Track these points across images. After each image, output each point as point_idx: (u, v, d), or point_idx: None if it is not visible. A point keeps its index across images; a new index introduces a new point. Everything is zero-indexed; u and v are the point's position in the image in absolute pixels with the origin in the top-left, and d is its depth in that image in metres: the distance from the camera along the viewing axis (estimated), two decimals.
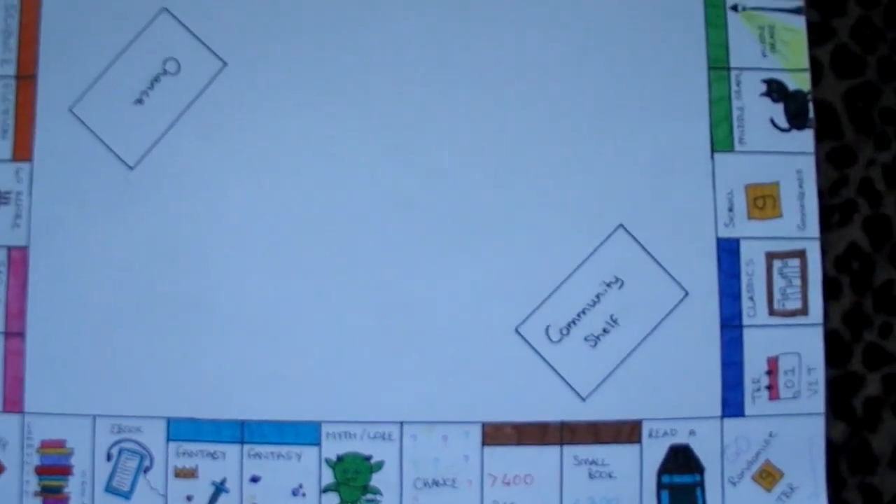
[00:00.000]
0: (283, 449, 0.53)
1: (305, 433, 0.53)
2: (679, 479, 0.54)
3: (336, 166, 0.55)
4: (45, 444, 0.54)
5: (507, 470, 0.53)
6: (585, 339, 0.54)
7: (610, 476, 0.53)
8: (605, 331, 0.54)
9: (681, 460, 0.54)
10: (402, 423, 0.53)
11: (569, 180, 0.54)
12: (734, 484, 0.54)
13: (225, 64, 0.55)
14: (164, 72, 0.55)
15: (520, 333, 0.54)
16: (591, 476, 0.53)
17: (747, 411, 0.54)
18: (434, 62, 0.55)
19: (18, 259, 0.55)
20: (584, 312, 0.54)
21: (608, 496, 0.53)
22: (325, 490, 0.53)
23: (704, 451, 0.54)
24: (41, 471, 0.54)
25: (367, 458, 0.53)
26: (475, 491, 0.53)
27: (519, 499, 0.53)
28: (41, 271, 0.55)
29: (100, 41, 0.56)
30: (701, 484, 0.54)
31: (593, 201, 0.54)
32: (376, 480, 0.53)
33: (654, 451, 0.54)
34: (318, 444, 0.53)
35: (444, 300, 0.54)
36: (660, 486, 0.54)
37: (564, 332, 0.54)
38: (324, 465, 0.53)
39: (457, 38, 0.55)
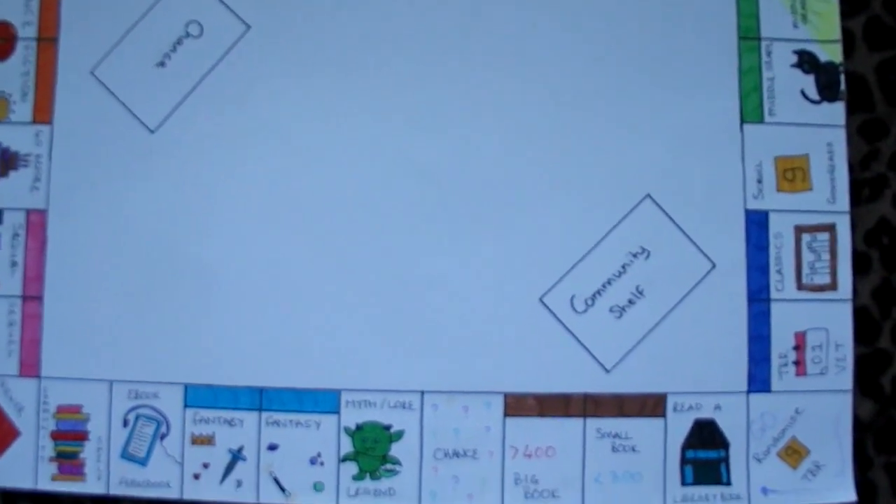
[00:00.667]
0: (302, 417, 0.53)
1: (324, 401, 0.53)
2: (703, 454, 0.53)
3: (359, 136, 0.54)
4: (62, 409, 0.54)
5: (528, 442, 0.53)
6: (611, 309, 0.53)
7: (633, 450, 0.53)
8: (630, 302, 0.53)
9: (705, 435, 0.53)
10: (422, 393, 0.53)
11: (596, 150, 0.54)
12: (759, 460, 0.53)
13: (248, 27, 0.55)
14: (187, 34, 0.55)
15: (544, 303, 0.53)
16: (613, 449, 0.52)
17: (774, 387, 0.53)
18: (458, 33, 0.54)
19: (37, 222, 0.55)
20: (609, 283, 0.53)
21: (631, 470, 0.52)
22: (344, 459, 0.53)
23: (729, 426, 0.53)
24: (57, 436, 0.54)
25: (387, 428, 0.53)
26: (496, 462, 0.53)
27: (540, 471, 0.52)
28: (60, 235, 0.54)
29: (122, 3, 0.55)
30: (726, 459, 0.53)
31: (621, 171, 0.54)
32: (396, 450, 0.53)
33: (679, 426, 0.53)
34: (337, 412, 0.53)
35: (468, 269, 0.53)
36: (683, 461, 0.53)
37: (589, 302, 0.53)
38: (343, 434, 0.53)
39: (481, 7, 0.54)
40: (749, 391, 0.53)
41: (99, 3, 0.55)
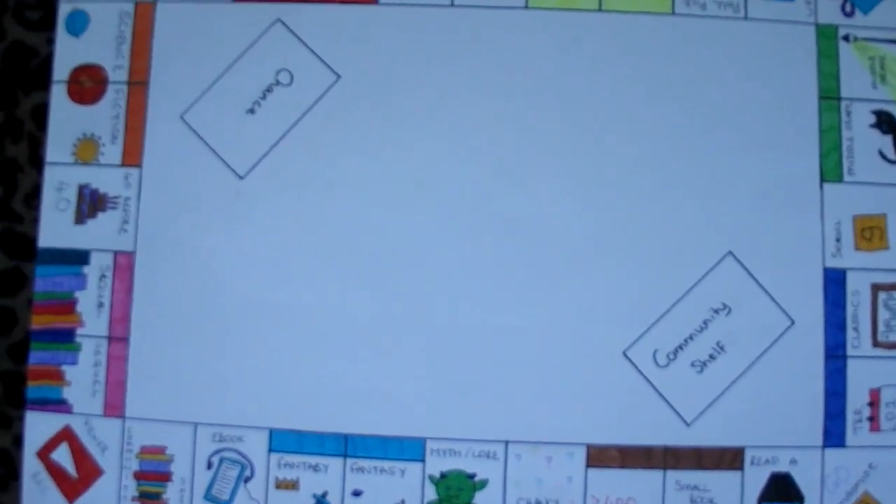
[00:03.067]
0: (387, 464, 0.54)
1: (410, 449, 0.54)
2: None
3: (445, 186, 0.55)
4: (146, 450, 0.55)
5: (609, 492, 0.53)
6: (692, 364, 0.54)
7: (711, 502, 0.53)
8: (711, 357, 0.54)
9: (781, 488, 0.54)
10: (506, 443, 0.53)
11: (680, 206, 0.55)
12: None
13: (338, 77, 0.55)
14: (277, 82, 0.56)
15: (627, 357, 0.54)
16: (692, 501, 0.53)
17: (848, 442, 0.54)
18: (543, 89, 0.55)
19: (124, 264, 0.55)
20: (691, 338, 0.54)
21: None
22: None
23: (805, 480, 0.54)
24: (140, 476, 0.55)
25: (471, 476, 0.53)
26: None
27: None
28: (146, 277, 0.55)
29: (213, 50, 0.56)
30: None
31: (703, 228, 0.54)
32: (479, 499, 0.53)
33: (756, 479, 0.54)
34: (422, 460, 0.54)
35: (553, 321, 0.54)
36: None
37: (671, 356, 0.54)
38: (427, 482, 0.54)
39: (569, 64, 0.55)
40: (824, 446, 0.54)
41: (190, 49, 0.56)
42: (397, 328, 0.54)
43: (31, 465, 0.55)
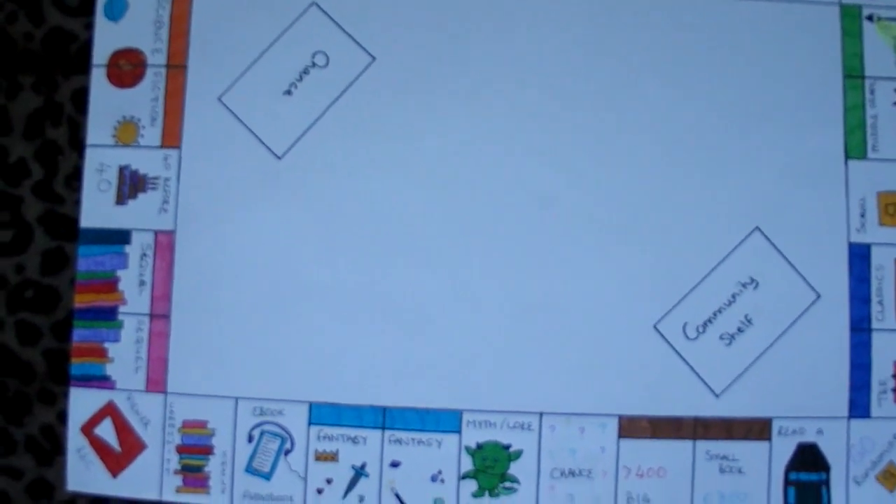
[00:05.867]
0: (424, 436, 0.55)
1: (446, 421, 0.55)
2: (806, 476, 0.55)
3: (479, 164, 0.56)
4: (187, 424, 0.56)
5: (641, 462, 0.55)
6: (721, 337, 0.55)
7: (740, 471, 0.55)
8: (739, 330, 0.55)
9: (808, 458, 0.55)
10: (541, 414, 0.55)
11: (708, 183, 0.56)
12: (858, 483, 0.55)
13: (373, 58, 0.57)
14: (313, 64, 0.57)
15: (658, 330, 0.55)
16: (721, 471, 0.55)
17: (873, 413, 0.55)
18: (581, 66, 0.56)
19: (165, 243, 0.57)
20: (720, 311, 0.55)
21: (738, 491, 0.55)
22: (464, 477, 0.55)
23: (831, 450, 0.55)
24: (182, 450, 0.56)
25: (507, 447, 0.55)
26: (610, 482, 0.55)
27: (652, 491, 0.55)
28: (187, 255, 0.56)
29: (250, 33, 0.57)
30: (827, 482, 0.55)
31: (731, 204, 0.56)
32: (514, 469, 0.55)
33: (783, 449, 0.55)
34: (458, 431, 0.55)
35: (585, 296, 0.55)
36: (787, 482, 0.55)
37: (701, 329, 0.55)
38: (463, 453, 0.55)
39: (604, 43, 0.57)
40: (850, 416, 0.55)
41: (227, 32, 0.57)
42: (434, 304, 0.55)
43: (75, 440, 0.56)
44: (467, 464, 0.55)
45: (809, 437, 0.55)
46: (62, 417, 0.57)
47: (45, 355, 0.58)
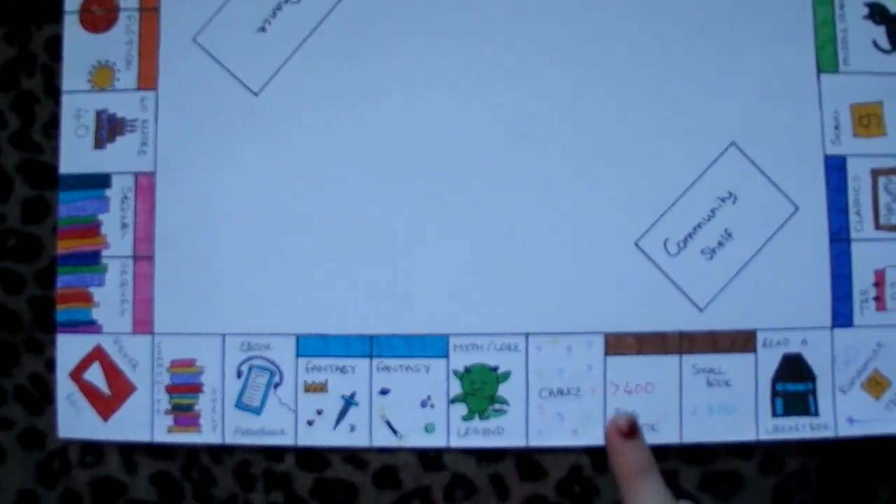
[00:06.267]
0: (412, 362, 0.55)
1: (433, 346, 0.55)
2: (792, 386, 0.56)
3: (458, 93, 0.56)
4: (176, 364, 0.56)
5: (628, 378, 0.55)
6: (702, 251, 0.56)
7: (727, 384, 0.55)
8: (720, 244, 0.56)
9: (793, 369, 0.56)
10: (527, 335, 0.55)
11: (683, 101, 0.56)
12: (844, 392, 0.56)
13: None
14: (286, 0, 0.57)
15: (639, 247, 0.56)
16: (708, 384, 0.55)
17: (856, 322, 0.56)
18: None
19: (145, 185, 0.57)
20: (700, 226, 0.56)
21: (725, 403, 0.55)
22: (454, 401, 0.55)
23: (816, 359, 0.56)
24: (172, 389, 0.56)
25: (494, 369, 0.55)
26: (598, 399, 0.55)
27: (640, 406, 0.55)
28: (168, 196, 0.56)
29: None
30: (813, 391, 0.56)
31: (706, 121, 0.56)
32: (503, 390, 0.55)
33: (768, 360, 0.56)
34: (445, 356, 0.55)
35: (566, 217, 0.56)
36: (774, 393, 0.56)
37: (682, 245, 0.56)
38: (451, 377, 0.55)
39: None
40: (833, 326, 0.56)
41: None
42: (415, 230, 0.56)
43: (64, 386, 0.56)
44: (456, 388, 0.55)
45: (794, 348, 0.56)
46: (50, 365, 0.57)
47: (30, 303, 0.58)
